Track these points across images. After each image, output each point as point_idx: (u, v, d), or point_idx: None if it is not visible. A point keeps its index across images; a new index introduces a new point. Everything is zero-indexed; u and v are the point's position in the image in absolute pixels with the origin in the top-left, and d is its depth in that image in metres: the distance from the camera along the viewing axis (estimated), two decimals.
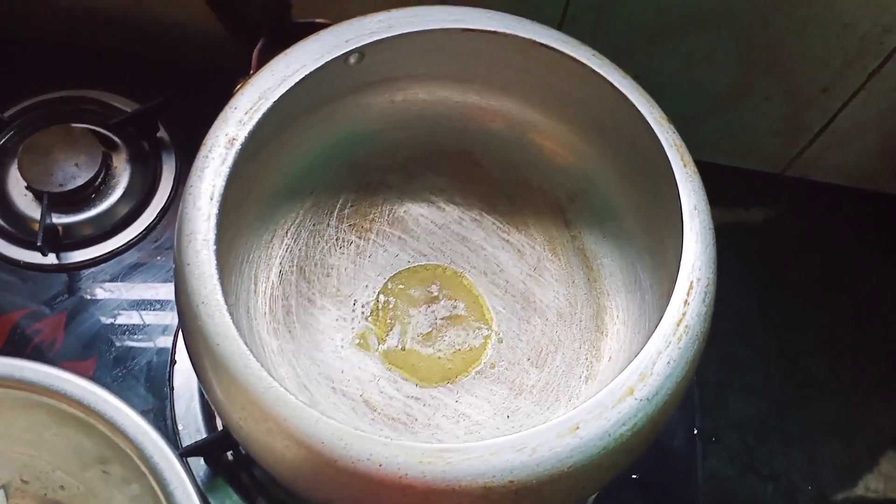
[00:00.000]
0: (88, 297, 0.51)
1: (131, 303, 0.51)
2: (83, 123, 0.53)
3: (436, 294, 0.46)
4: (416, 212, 0.48)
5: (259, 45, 0.40)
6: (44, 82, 0.56)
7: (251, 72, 0.39)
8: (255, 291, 0.44)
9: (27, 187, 0.51)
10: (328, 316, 0.44)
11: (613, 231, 0.47)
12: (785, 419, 0.54)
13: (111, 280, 0.52)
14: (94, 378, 0.44)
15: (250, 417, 0.32)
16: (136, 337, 0.50)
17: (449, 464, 0.31)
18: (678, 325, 0.35)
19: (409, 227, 0.48)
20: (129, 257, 0.52)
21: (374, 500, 0.31)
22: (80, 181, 0.49)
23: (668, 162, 0.39)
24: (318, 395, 0.42)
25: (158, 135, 0.56)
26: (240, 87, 0.38)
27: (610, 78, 0.40)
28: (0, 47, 0.58)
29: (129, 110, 0.55)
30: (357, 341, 0.44)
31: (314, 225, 0.46)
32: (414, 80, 0.46)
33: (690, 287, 0.36)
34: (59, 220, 0.51)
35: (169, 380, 0.49)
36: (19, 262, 0.50)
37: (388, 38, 0.40)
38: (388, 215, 0.48)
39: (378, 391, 0.43)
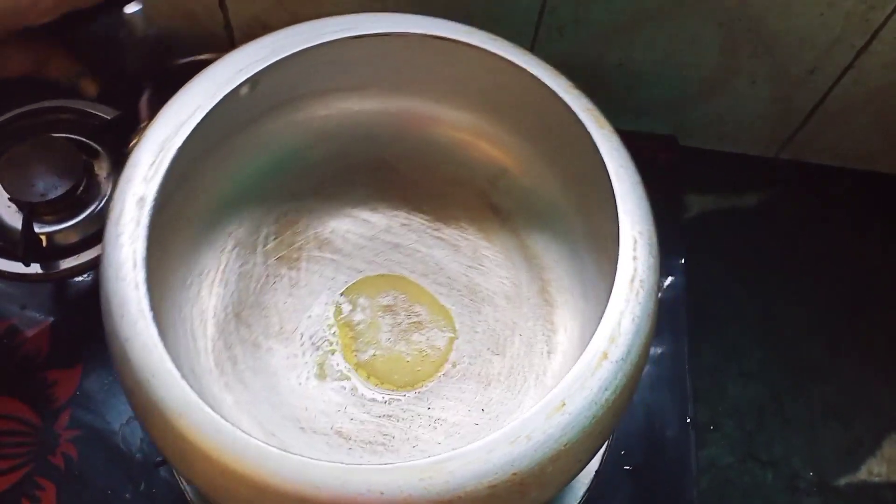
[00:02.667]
0: (74, 304, 0.51)
1: None
2: (63, 133, 0.52)
3: (392, 302, 0.46)
4: (341, 229, 0.47)
5: (145, 95, 0.39)
6: (21, 95, 0.54)
7: (141, 123, 0.38)
8: (195, 349, 0.41)
9: (10, 199, 0.50)
10: (278, 356, 0.43)
11: (541, 208, 0.47)
12: (784, 404, 0.54)
13: (97, 287, 0.49)
14: (82, 386, 0.48)
15: (235, 484, 0.30)
16: None
17: (451, 473, 0.30)
18: (632, 281, 0.35)
19: (339, 247, 0.46)
20: None
21: None
22: (61, 190, 0.49)
23: (583, 126, 0.39)
24: (288, 438, 0.40)
25: None
26: (136, 142, 0.36)
27: (508, 55, 0.40)
28: None
29: (108, 117, 0.53)
30: (315, 371, 0.43)
31: (240, 266, 0.44)
32: (313, 96, 0.44)
33: (635, 242, 0.36)
34: (43, 229, 0.50)
35: None
36: (4, 272, 0.49)
37: (277, 61, 0.39)
38: (314, 240, 0.46)
39: (348, 419, 0.42)
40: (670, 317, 0.53)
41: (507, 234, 0.48)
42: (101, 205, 0.51)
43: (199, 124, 0.36)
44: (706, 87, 0.57)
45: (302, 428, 0.41)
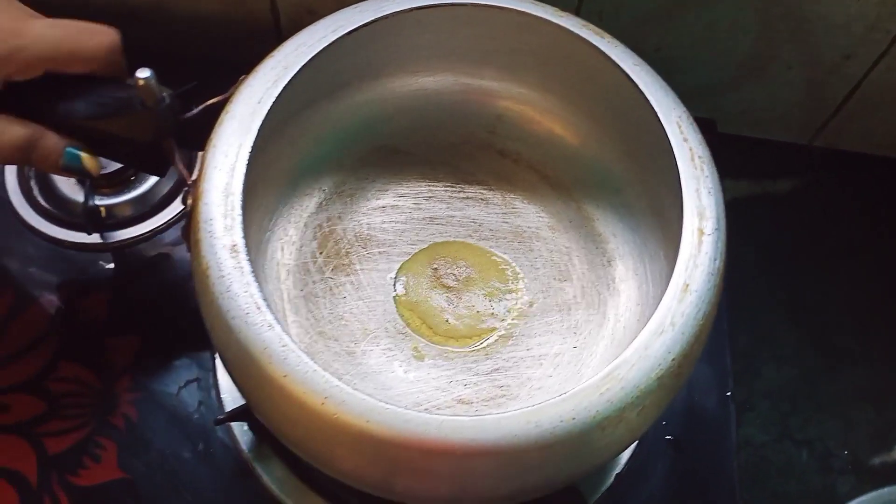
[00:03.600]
0: (132, 274, 0.52)
1: (173, 278, 0.52)
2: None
3: (452, 268, 0.47)
4: (376, 223, 0.47)
5: (176, 154, 0.38)
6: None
7: (188, 180, 0.37)
8: None
9: None
10: (374, 356, 0.43)
11: (543, 136, 0.48)
12: (817, 387, 0.54)
13: (153, 257, 0.53)
14: (140, 353, 0.49)
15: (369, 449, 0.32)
16: (179, 311, 0.51)
17: (623, 379, 0.33)
18: (692, 159, 0.37)
19: (381, 238, 0.47)
20: (170, 235, 0.52)
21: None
22: (119, 164, 0.50)
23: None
24: None
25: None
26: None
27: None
28: None
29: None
30: (413, 355, 0.44)
31: (301, 291, 0.45)
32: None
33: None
34: (101, 201, 0.51)
35: (212, 349, 0.49)
36: (65, 242, 0.50)
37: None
38: (357, 241, 0.47)
39: (462, 386, 0.43)
40: None
41: (525, 172, 0.49)
42: (156, 181, 0.51)
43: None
44: (742, 73, 0.57)
45: (426, 410, 0.41)
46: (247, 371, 0.33)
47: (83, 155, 0.38)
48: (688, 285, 0.35)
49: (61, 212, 0.51)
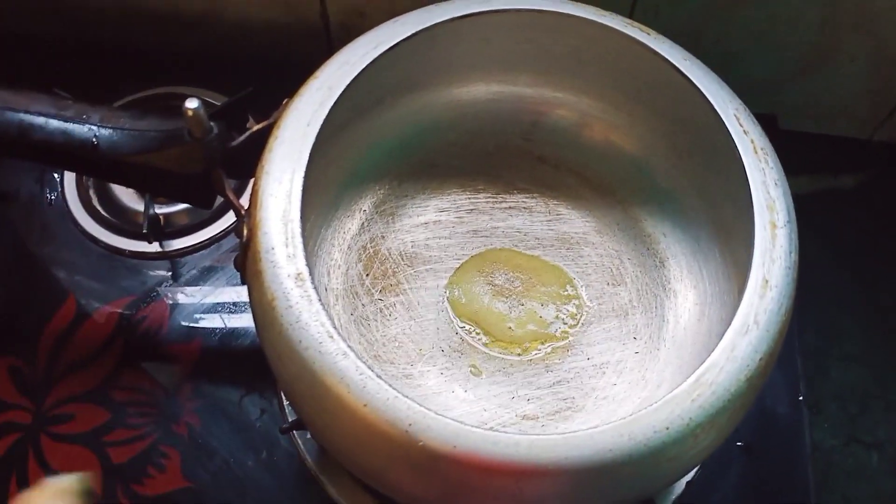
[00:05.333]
0: (191, 281, 0.52)
1: (232, 285, 0.52)
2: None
3: (501, 277, 0.46)
4: (420, 240, 0.46)
5: (226, 182, 0.38)
6: (138, 82, 0.58)
7: (241, 211, 0.36)
8: None
9: None
10: (432, 377, 0.42)
11: (582, 141, 0.48)
12: (888, 387, 0.53)
13: (211, 264, 0.53)
14: (198, 361, 0.49)
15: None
16: (239, 318, 0.51)
17: (711, 384, 0.32)
18: (755, 152, 0.36)
19: (427, 255, 0.46)
20: (228, 242, 0.53)
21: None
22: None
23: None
24: None
25: (248, 125, 0.54)
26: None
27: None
28: (95, 55, 0.60)
29: (218, 104, 0.54)
30: (471, 372, 0.42)
31: (351, 315, 0.44)
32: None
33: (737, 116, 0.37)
34: (159, 210, 0.53)
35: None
36: (125, 251, 0.52)
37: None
38: (402, 259, 0.46)
39: (525, 401, 0.41)
40: None
41: (567, 177, 0.48)
42: None
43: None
44: (803, 67, 0.56)
45: (492, 428, 0.39)
46: (322, 403, 0.32)
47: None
48: (767, 281, 0.34)
49: (121, 221, 0.52)
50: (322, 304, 0.32)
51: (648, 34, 0.40)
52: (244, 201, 0.36)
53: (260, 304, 0.33)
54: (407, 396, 0.30)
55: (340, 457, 0.34)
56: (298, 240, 0.34)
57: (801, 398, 0.50)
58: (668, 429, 0.31)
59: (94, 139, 0.37)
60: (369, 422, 0.30)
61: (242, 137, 0.37)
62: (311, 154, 0.36)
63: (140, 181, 0.38)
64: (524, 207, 0.48)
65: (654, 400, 0.32)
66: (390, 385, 0.31)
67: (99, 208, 0.53)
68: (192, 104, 0.35)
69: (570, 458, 0.30)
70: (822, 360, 0.53)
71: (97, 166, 0.37)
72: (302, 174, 0.35)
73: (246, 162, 0.37)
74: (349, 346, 0.31)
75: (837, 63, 0.55)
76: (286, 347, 0.32)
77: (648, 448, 0.30)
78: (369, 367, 0.31)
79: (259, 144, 0.37)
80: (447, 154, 0.49)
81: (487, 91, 0.48)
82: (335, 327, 0.32)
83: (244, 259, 0.35)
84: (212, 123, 0.36)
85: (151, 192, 0.40)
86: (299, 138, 0.36)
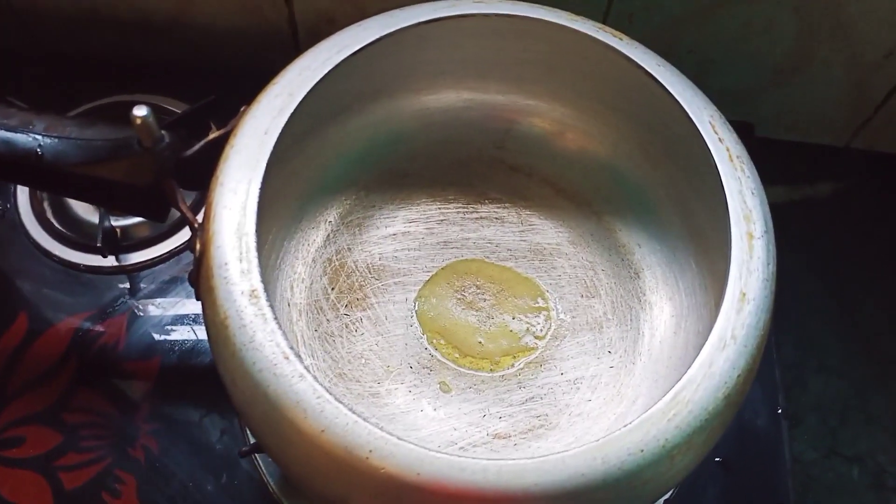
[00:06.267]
0: (149, 296, 0.51)
1: (193, 300, 0.50)
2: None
3: (472, 290, 0.44)
4: (388, 251, 0.45)
5: (178, 193, 0.36)
6: (98, 91, 0.56)
7: (194, 223, 0.34)
8: None
9: None
10: (400, 396, 0.40)
11: (555, 150, 0.47)
12: (867, 399, 0.52)
13: (171, 278, 0.51)
14: (159, 378, 0.47)
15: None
16: (200, 333, 0.49)
17: (689, 402, 0.31)
18: (731, 160, 0.35)
19: (395, 268, 0.44)
20: (188, 255, 0.51)
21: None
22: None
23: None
24: None
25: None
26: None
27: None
28: (58, 62, 0.60)
29: (179, 111, 0.52)
30: (440, 388, 0.41)
31: (316, 331, 0.42)
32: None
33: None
34: (116, 223, 0.51)
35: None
36: (80, 265, 0.50)
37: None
38: (369, 272, 0.44)
39: (497, 419, 0.40)
40: None
41: (539, 186, 0.47)
42: None
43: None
44: (778, 75, 0.55)
45: (462, 448, 0.39)
46: (277, 428, 0.30)
47: None
48: (744, 294, 0.33)
49: (76, 234, 0.50)
50: (278, 322, 0.30)
51: (620, 39, 0.39)
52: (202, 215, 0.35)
53: (213, 322, 0.32)
54: (367, 421, 0.29)
55: (300, 483, 0.33)
56: (253, 255, 0.32)
57: (779, 411, 0.49)
58: (642, 451, 0.29)
59: (38, 149, 0.34)
60: (327, 448, 0.29)
61: (197, 147, 0.36)
62: (268, 164, 0.34)
63: (88, 193, 0.36)
64: (496, 218, 0.47)
65: (629, 416, 0.31)
66: (350, 409, 0.29)
67: (53, 221, 0.51)
68: (140, 111, 0.33)
69: (541, 483, 0.28)
70: (801, 372, 0.52)
71: (42, 178, 0.35)
72: (258, 185, 0.33)
73: (201, 172, 0.35)
74: (306, 368, 0.30)
75: (813, 70, 0.54)
76: (239, 369, 0.30)
77: (622, 471, 0.29)
78: (327, 390, 0.29)
79: (215, 154, 0.35)
80: (416, 163, 0.47)
81: (458, 98, 0.46)
82: (291, 348, 0.30)
83: (197, 275, 0.33)
84: (163, 132, 0.34)
85: (101, 205, 0.38)
86: (256, 147, 0.34)
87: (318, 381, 0.30)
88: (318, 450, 0.29)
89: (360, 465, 0.29)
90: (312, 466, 0.30)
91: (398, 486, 0.28)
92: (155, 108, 0.53)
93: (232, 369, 0.31)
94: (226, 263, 0.32)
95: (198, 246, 0.33)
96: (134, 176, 0.35)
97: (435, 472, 0.28)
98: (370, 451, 0.28)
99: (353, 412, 0.29)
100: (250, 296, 0.31)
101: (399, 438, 0.29)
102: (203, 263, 0.33)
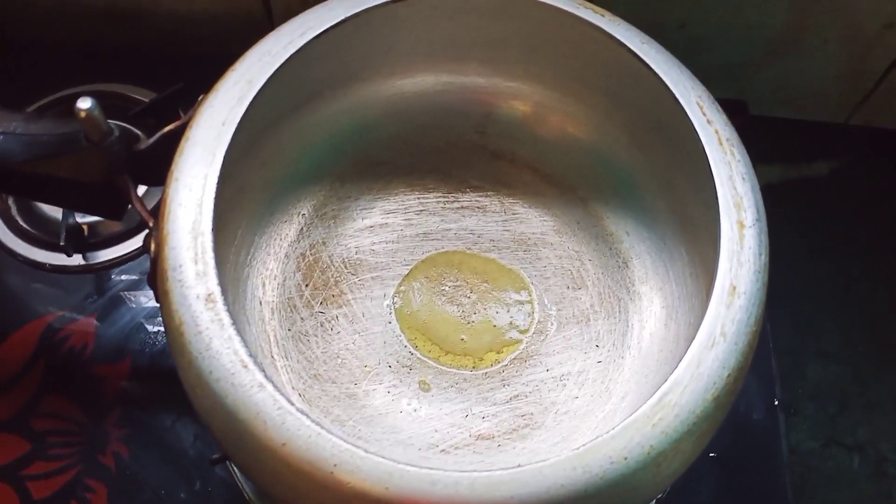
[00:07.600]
0: (118, 296, 0.49)
1: None
2: None
3: (453, 284, 0.42)
4: (365, 244, 0.43)
5: (133, 191, 0.34)
6: (63, 81, 0.54)
7: (149, 223, 0.33)
8: None
9: None
10: (378, 396, 0.39)
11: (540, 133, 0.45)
12: (867, 385, 0.51)
13: (140, 277, 0.50)
14: (130, 381, 0.46)
15: None
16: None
17: (676, 406, 0.29)
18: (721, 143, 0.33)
19: (372, 262, 0.42)
20: None
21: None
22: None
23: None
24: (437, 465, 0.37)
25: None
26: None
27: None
28: (20, 51, 0.57)
29: (147, 100, 0.51)
30: (420, 388, 0.39)
31: (289, 330, 0.40)
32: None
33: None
34: (84, 219, 0.49)
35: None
36: (45, 265, 0.48)
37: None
38: (345, 267, 0.42)
39: (480, 419, 0.38)
40: None
41: (523, 173, 0.45)
42: (143, 193, 0.47)
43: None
44: (773, 50, 0.53)
45: (444, 451, 0.37)
46: (239, 440, 0.28)
47: None
48: (735, 287, 0.31)
49: (42, 232, 0.49)
50: (236, 328, 0.29)
51: (603, 16, 0.37)
52: None
53: (169, 328, 0.30)
54: (332, 433, 0.27)
55: (268, 496, 0.31)
56: (210, 255, 0.30)
57: (776, 401, 0.47)
58: (626, 459, 0.27)
59: None
60: (290, 462, 0.27)
61: (151, 140, 0.34)
62: (227, 157, 0.32)
63: (37, 191, 0.34)
64: (478, 207, 0.45)
65: (618, 413, 0.29)
66: (313, 420, 0.27)
67: (18, 219, 0.49)
68: (84, 104, 0.31)
69: (518, 496, 0.27)
70: (798, 359, 0.51)
71: None
72: (215, 180, 0.31)
73: (158, 166, 0.33)
74: (266, 377, 0.28)
75: (808, 44, 0.52)
76: (197, 378, 0.29)
77: (605, 481, 0.27)
78: (289, 401, 0.27)
79: (172, 147, 0.33)
80: (393, 151, 0.45)
81: (436, 82, 0.44)
82: (251, 355, 0.28)
83: (154, 277, 0.31)
84: (112, 125, 0.32)
85: (57, 203, 0.37)
86: (213, 139, 0.32)
87: (279, 391, 0.28)
88: (280, 463, 0.27)
89: (325, 479, 0.27)
90: (277, 480, 0.28)
91: (366, 502, 0.27)
92: (124, 98, 0.52)
93: (190, 378, 0.29)
94: (180, 266, 0.30)
95: (152, 247, 0.31)
96: (82, 172, 0.33)
97: (404, 487, 0.27)
98: (335, 465, 0.27)
99: (317, 423, 0.27)
100: (206, 300, 0.29)
101: (366, 451, 0.27)
102: (158, 266, 0.31)
